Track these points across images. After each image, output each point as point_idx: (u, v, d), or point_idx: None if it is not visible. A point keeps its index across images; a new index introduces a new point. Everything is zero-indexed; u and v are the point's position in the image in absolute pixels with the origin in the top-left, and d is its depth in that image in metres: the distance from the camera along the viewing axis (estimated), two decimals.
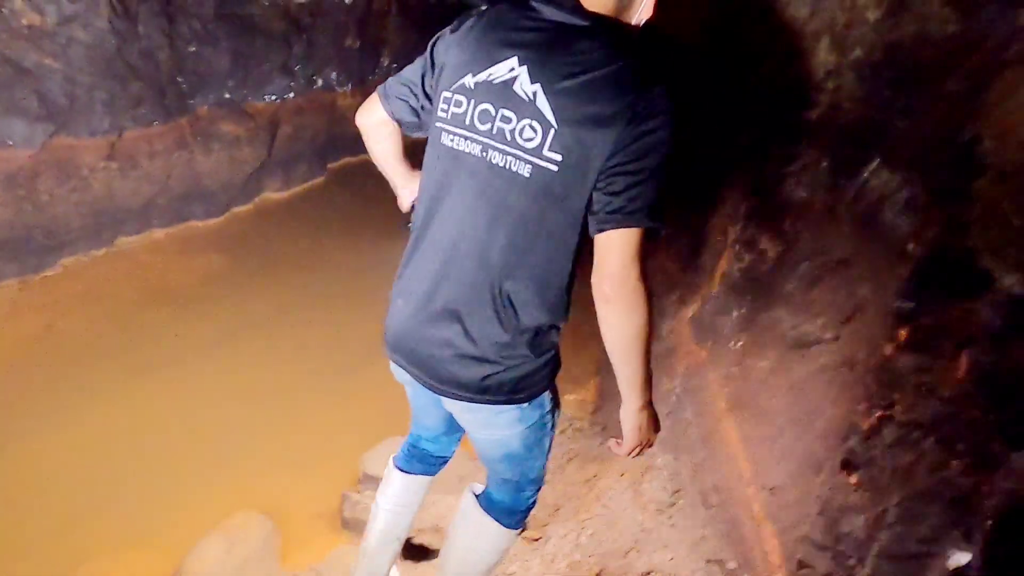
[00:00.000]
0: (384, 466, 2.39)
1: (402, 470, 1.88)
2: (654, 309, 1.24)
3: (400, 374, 1.53)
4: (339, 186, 5.44)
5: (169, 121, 4.03)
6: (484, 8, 1.28)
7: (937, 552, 1.24)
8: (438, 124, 1.32)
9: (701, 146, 2.27)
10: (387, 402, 3.22)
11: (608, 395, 3.02)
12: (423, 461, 1.89)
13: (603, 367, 2.94)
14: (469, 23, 1.28)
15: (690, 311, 2.67)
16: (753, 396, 2.03)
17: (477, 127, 1.23)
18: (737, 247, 2.35)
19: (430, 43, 1.37)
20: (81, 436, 2.74)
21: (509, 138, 1.19)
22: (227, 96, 4.40)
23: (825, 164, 2.07)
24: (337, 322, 3.80)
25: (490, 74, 1.21)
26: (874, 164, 1.82)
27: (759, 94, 2.35)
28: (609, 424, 3.04)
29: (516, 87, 1.18)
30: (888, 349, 1.46)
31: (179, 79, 4.01)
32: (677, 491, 2.23)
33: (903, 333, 1.44)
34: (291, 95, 4.89)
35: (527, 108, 1.17)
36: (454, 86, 1.26)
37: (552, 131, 1.15)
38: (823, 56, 2.14)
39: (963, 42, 1.61)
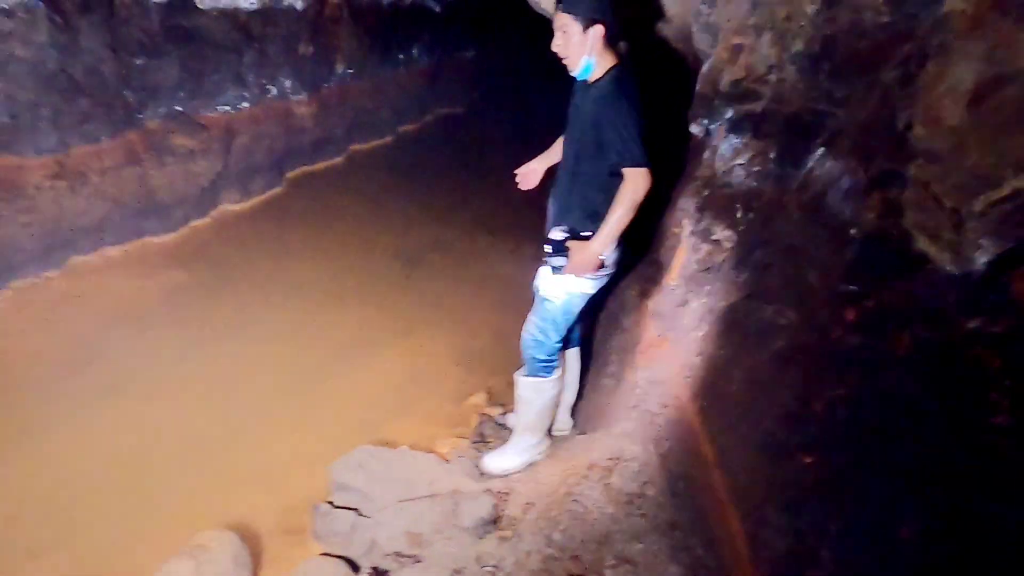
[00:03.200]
0: (354, 474, 2.39)
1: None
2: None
3: None
4: (298, 195, 5.38)
5: (119, 136, 3.93)
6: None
7: (892, 526, 1.29)
8: None
9: (655, 144, 2.32)
10: (354, 411, 3.22)
11: (579, 393, 3.05)
12: None
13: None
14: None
15: (651, 304, 2.71)
16: (714, 384, 2.08)
17: None
18: (693, 239, 2.40)
19: None
20: (41, 461, 2.67)
21: None
22: (178, 108, 4.31)
23: (772, 155, 2.12)
24: (301, 334, 3.76)
25: None
26: (818, 153, 1.88)
27: (707, 91, 2.40)
28: (579, 420, 3.07)
29: None
30: (836, 331, 1.51)
31: (127, 93, 3.92)
32: (646, 482, 2.27)
33: (849, 315, 1.50)
34: (245, 105, 4.82)
35: None
36: None
37: None
38: (766, 50, 2.19)
39: (894, 32, 1.67)
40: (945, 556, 1.18)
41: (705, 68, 2.50)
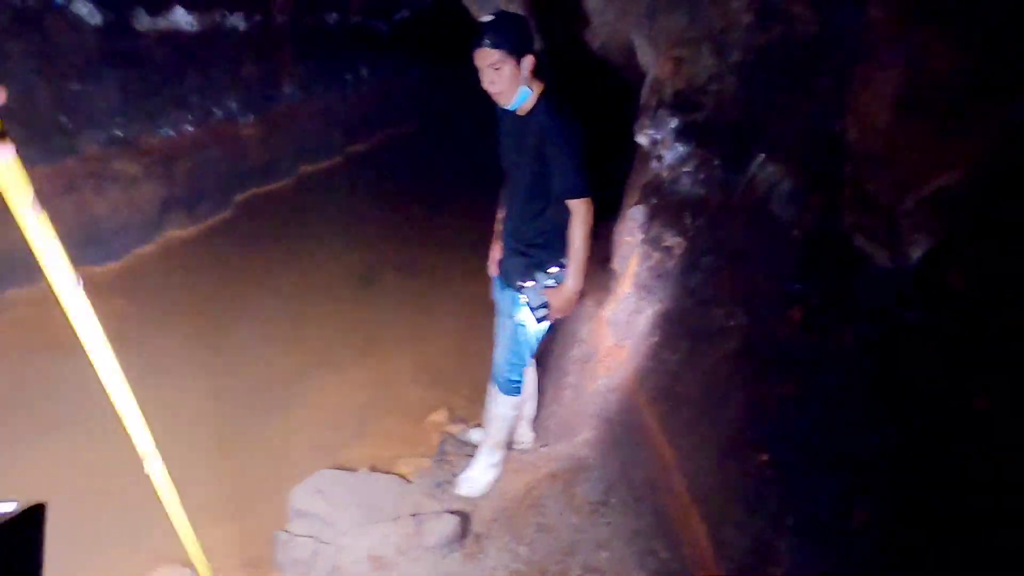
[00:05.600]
0: (313, 500, 2.34)
1: None
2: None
3: None
4: (247, 219, 5.28)
5: (55, 163, 3.80)
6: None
7: (844, 517, 1.32)
8: None
9: (603, 157, 2.35)
10: (313, 434, 3.15)
11: (539, 404, 3.05)
12: None
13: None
14: None
15: (607, 312, 2.74)
16: (670, 387, 2.10)
17: None
18: (644, 247, 2.44)
19: None
20: None
21: None
22: (118, 133, 4.19)
23: (717, 162, 2.18)
24: (255, 359, 3.67)
25: None
26: (759, 159, 1.94)
27: (651, 102, 2.45)
28: (541, 433, 3.06)
29: None
30: (783, 331, 1.55)
31: (62, 118, 3.79)
32: (608, 489, 2.28)
33: (795, 315, 1.54)
34: (188, 128, 4.72)
35: None
36: None
37: None
38: (705, 61, 2.26)
39: (825, 41, 1.75)
40: (895, 544, 1.21)
41: (648, 79, 2.56)
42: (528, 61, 2.09)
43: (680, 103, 2.34)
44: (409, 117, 8.39)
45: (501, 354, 2.56)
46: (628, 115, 2.71)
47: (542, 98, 2.17)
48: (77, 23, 3.61)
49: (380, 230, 5.66)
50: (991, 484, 1.08)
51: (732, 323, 1.83)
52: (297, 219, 5.46)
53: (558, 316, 2.38)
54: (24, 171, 0.95)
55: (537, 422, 3.10)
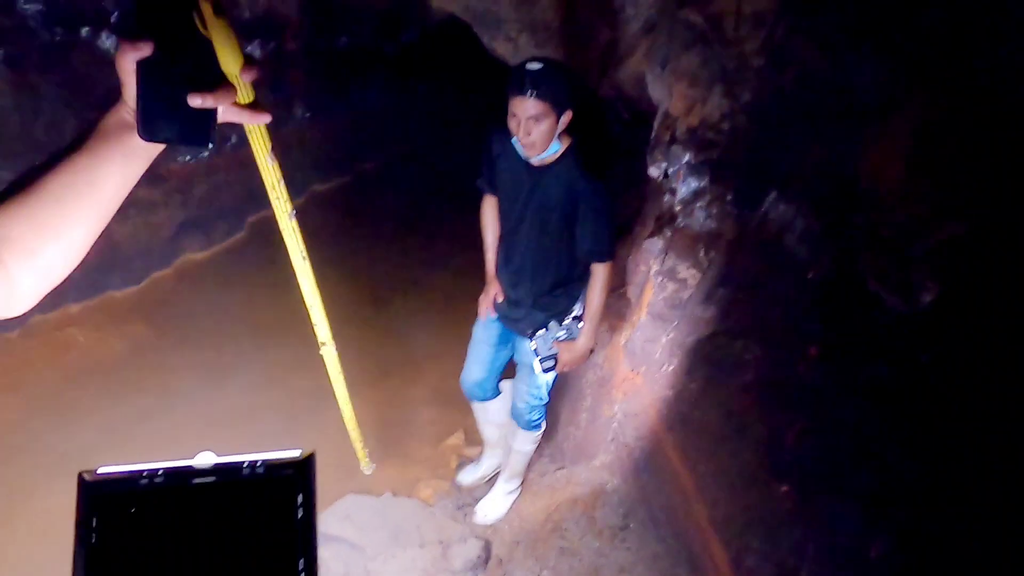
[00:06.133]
0: (342, 525, 2.41)
1: None
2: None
3: None
4: (260, 240, 5.37)
5: None
6: None
7: (862, 547, 1.40)
8: None
9: (620, 189, 2.44)
10: (334, 458, 3.21)
11: (555, 427, 3.12)
12: None
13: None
14: None
15: (623, 339, 2.82)
16: (688, 415, 2.18)
17: None
18: (659, 278, 2.52)
19: None
20: (13, 535, 2.59)
21: None
22: None
23: (730, 198, 2.27)
24: (274, 382, 3.74)
25: None
26: (771, 197, 2.03)
27: (664, 137, 2.54)
28: (556, 455, 3.13)
29: None
30: (801, 366, 1.63)
31: None
32: (628, 514, 2.35)
33: (812, 351, 1.62)
34: (205, 155, 4.82)
35: None
36: None
37: None
38: (718, 100, 2.35)
39: (837, 87, 1.84)
40: (912, 573, 1.29)
41: (660, 113, 2.65)
42: (567, 116, 1.99)
43: (693, 139, 2.43)
44: (418, 136, 8.51)
45: (521, 399, 2.54)
46: (637, 144, 2.80)
47: (569, 153, 2.09)
48: (102, 57, 3.71)
49: (391, 250, 5.75)
50: (1004, 520, 1.16)
51: (748, 356, 1.91)
52: (308, 239, 5.54)
53: (565, 369, 2.37)
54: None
55: (553, 444, 3.17)
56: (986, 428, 1.24)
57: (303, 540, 0.53)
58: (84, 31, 3.72)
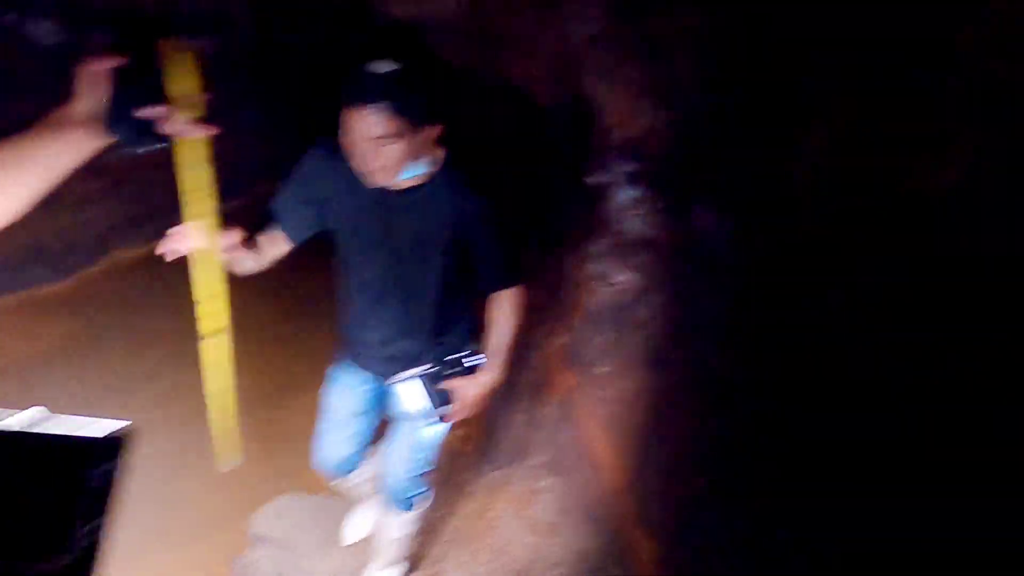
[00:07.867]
0: (273, 525, 2.39)
1: None
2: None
3: None
4: None
5: None
6: None
7: (768, 533, 1.49)
8: None
9: (557, 193, 2.51)
10: (274, 459, 3.17)
11: (492, 428, 3.16)
12: None
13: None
14: None
15: (559, 341, 2.88)
16: (621, 415, 2.26)
17: None
18: (595, 282, 2.60)
19: None
20: None
21: None
22: None
23: (662, 205, 2.37)
24: (198, 388, 3.66)
25: None
26: (701, 204, 2.13)
27: (600, 147, 2.63)
28: (493, 455, 3.17)
29: None
30: (719, 364, 1.73)
31: None
32: (563, 510, 2.40)
33: (730, 348, 1.71)
34: (139, 151, 4.69)
35: None
36: None
37: None
38: (651, 112, 2.45)
39: (767, 92, 1.95)
40: (815, 555, 1.38)
41: (598, 125, 2.74)
42: (432, 131, 1.56)
43: (629, 149, 2.52)
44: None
45: (400, 469, 2.08)
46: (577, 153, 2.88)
47: (445, 169, 1.69)
48: (34, 51, 3.59)
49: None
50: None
51: (674, 357, 2.00)
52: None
53: (464, 415, 1.96)
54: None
55: (490, 444, 3.21)
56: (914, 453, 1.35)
57: (90, 507, 0.57)
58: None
